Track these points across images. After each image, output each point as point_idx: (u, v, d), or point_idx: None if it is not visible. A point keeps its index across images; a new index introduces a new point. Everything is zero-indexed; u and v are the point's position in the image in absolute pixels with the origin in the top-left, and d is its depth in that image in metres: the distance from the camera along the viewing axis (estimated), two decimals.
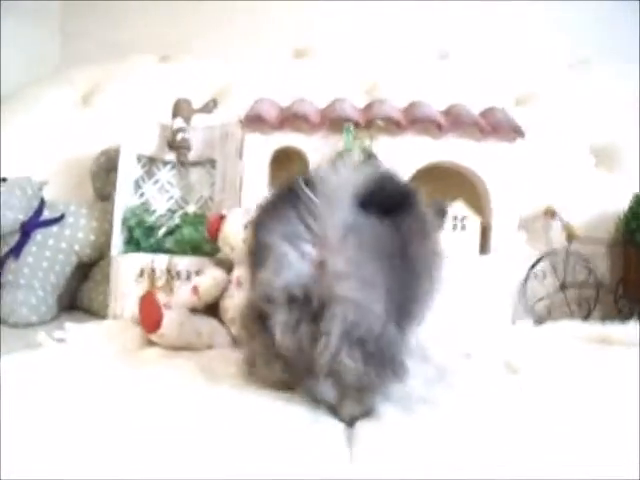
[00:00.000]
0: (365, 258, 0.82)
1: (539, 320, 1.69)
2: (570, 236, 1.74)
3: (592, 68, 2.16)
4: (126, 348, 1.27)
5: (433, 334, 1.23)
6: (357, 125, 1.61)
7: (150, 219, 1.66)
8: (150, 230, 1.64)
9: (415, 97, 1.74)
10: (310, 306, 0.84)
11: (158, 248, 1.61)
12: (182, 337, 1.29)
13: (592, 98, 2.06)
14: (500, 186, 1.61)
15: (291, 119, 1.61)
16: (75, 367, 1.08)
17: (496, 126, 1.62)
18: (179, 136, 1.70)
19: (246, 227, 1.33)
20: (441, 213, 1.28)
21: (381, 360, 0.84)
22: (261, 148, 1.62)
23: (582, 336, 1.47)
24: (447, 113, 1.68)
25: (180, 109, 1.75)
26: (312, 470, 0.71)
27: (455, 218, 1.62)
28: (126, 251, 1.62)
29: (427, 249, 0.96)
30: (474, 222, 1.62)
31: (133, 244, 1.63)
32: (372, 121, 1.61)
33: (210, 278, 1.39)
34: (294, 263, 0.83)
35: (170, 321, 1.27)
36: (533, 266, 1.75)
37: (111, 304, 1.58)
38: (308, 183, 0.84)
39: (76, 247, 1.69)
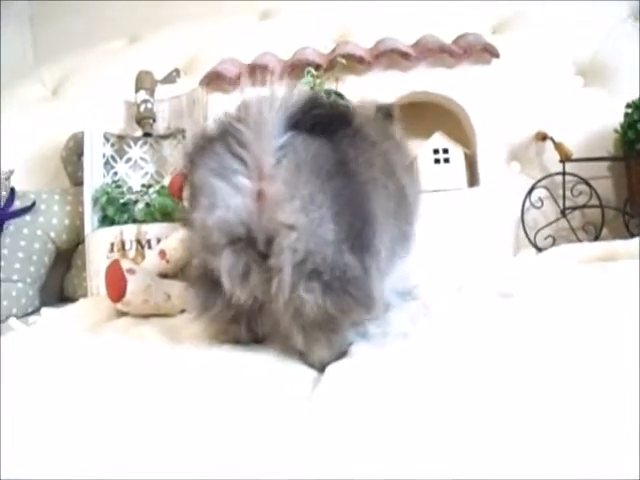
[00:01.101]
0: (303, 178, 0.74)
1: (542, 250, 1.56)
2: (564, 156, 1.62)
3: None
4: (95, 322, 1.20)
5: (423, 270, 1.16)
6: (319, 68, 1.54)
7: (123, 196, 1.59)
8: (124, 206, 1.57)
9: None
10: (256, 246, 0.76)
11: (134, 222, 1.54)
12: (150, 302, 1.21)
13: (571, 17, 1.93)
14: (481, 111, 1.52)
15: (252, 72, 1.53)
16: (37, 347, 1.01)
17: (468, 49, 1.55)
18: (142, 107, 1.65)
19: None
20: (388, 116, 1.16)
21: (341, 290, 0.75)
22: (224, 106, 1.53)
23: (586, 257, 1.36)
24: (416, 44, 1.61)
25: (142, 81, 1.71)
26: (268, 411, 0.64)
27: (436, 151, 1.53)
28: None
29: (375, 170, 0.87)
30: (457, 153, 1.53)
31: (108, 222, 1.57)
32: (335, 61, 1.54)
33: (176, 240, 1.30)
34: (228, 198, 0.75)
35: (134, 286, 1.19)
36: (529, 193, 1.64)
37: (88, 284, 1.53)
38: (239, 118, 0.77)
39: (52, 234, 1.65)
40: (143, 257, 1.42)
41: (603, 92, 1.79)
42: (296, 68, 1.56)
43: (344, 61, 1.53)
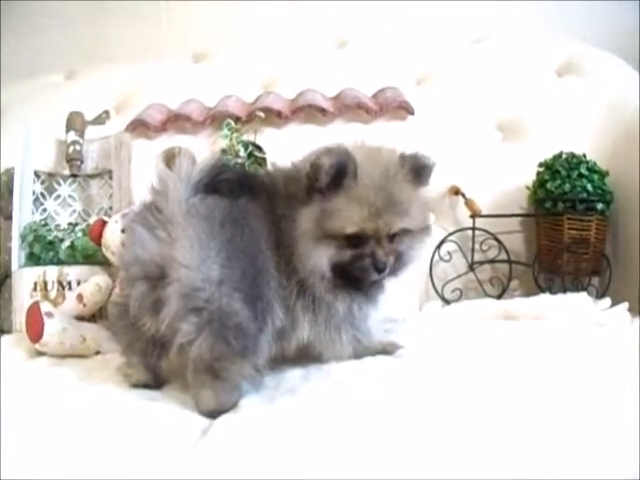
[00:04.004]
0: (194, 223, 1.01)
1: (449, 302, 1.81)
2: (472, 212, 1.86)
3: (492, 44, 2.27)
4: (16, 360, 1.42)
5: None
6: (239, 120, 1.76)
7: (50, 234, 1.81)
8: (50, 244, 1.79)
9: (312, 87, 1.88)
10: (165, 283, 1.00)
11: (58, 261, 1.76)
12: (66, 344, 1.44)
13: (494, 73, 2.17)
14: None
15: (174, 120, 1.78)
16: None
17: (384, 106, 1.74)
18: (71, 149, 1.88)
19: (123, 231, 1.47)
20: (421, 171, 1.20)
21: (219, 335, 0.96)
22: (148, 152, 1.77)
23: (487, 314, 1.59)
24: (335, 98, 1.82)
25: (73, 122, 1.93)
26: (155, 459, 0.82)
27: None
28: (27, 266, 1.77)
29: (278, 232, 1.09)
30: None
31: (34, 259, 1.79)
32: (254, 114, 1.75)
33: (93, 285, 1.55)
34: (147, 242, 1.04)
35: (52, 329, 1.42)
36: (438, 247, 1.87)
37: (13, 319, 1.73)
38: (157, 191, 1.08)
39: None
40: (64, 297, 1.64)
41: (520, 148, 2.01)
42: (217, 119, 1.76)
43: (262, 115, 1.74)
